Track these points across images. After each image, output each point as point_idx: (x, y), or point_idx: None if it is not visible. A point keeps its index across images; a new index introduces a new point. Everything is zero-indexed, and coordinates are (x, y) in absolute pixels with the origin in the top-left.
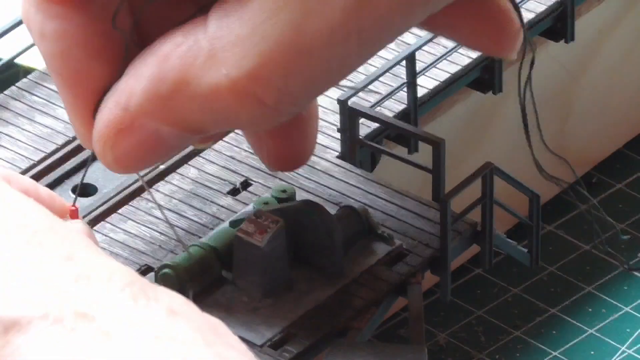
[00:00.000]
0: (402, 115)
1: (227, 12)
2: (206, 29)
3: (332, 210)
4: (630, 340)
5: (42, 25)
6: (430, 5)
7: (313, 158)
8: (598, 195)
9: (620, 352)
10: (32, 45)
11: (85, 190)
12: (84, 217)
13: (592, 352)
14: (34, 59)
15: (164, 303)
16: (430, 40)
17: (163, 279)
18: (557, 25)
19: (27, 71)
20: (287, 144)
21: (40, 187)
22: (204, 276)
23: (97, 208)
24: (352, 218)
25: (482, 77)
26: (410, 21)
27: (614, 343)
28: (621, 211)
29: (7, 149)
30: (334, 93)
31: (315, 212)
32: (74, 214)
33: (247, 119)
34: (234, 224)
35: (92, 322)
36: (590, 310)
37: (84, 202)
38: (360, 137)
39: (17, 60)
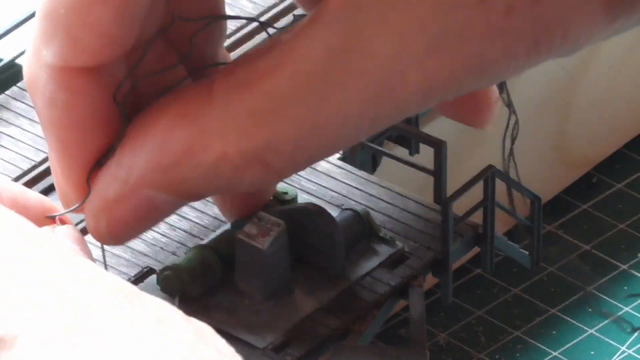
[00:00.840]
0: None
1: (236, 87)
2: (212, 97)
3: (334, 212)
4: (630, 340)
5: (53, 94)
6: (445, 95)
7: None
8: (598, 195)
9: (620, 352)
10: None
11: None
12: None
13: (592, 352)
14: None
15: (151, 311)
16: None
17: (165, 281)
18: None
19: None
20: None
21: (29, 193)
22: (206, 278)
23: None
24: (354, 220)
25: None
26: (423, 108)
27: (614, 343)
28: (621, 211)
29: (8, 149)
30: None
31: (317, 214)
32: (64, 219)
33: (249, 183)
34: (236, 226)
35: (81, 333)
36: (590, 310)
37: None
38: None
39: (17, 61)
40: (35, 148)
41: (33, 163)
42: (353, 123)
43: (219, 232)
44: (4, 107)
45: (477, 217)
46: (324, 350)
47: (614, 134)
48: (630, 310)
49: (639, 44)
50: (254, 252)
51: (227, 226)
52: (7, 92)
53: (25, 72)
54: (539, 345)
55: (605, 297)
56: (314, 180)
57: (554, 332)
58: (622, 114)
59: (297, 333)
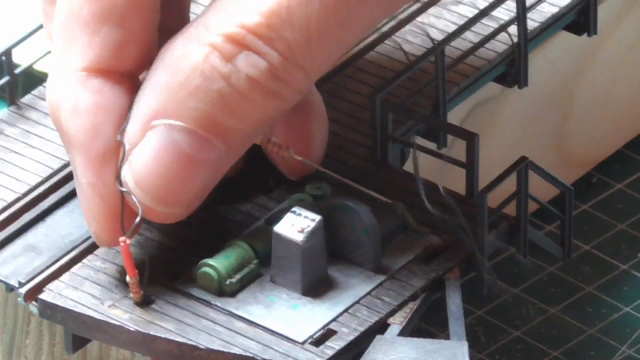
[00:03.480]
0: (432, 110)
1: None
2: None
3: (368, 207)
4: (630, 340)
5: (77, 99)
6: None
7: (345, 155)
8: (598, 195)
9: (620, 352)
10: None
11: None
12: None
13: (592, 352)
14: None
15: None
16: (459, 35)
17: (202, 278)
18: (580, 19)
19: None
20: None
21: None
22: (243, 274)
23: None
24: (388, 214)
25: (508, 71)
26: None
27: (614, 343)
28: (621, 211)
29: (39, 149)
30: (364, 90)
31: (353, 209)
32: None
33: (248, 74)
34: (269, 221)
35: None
36: (590, 310)
37: None
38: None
39: (35, 67)
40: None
41: (63, 162)
42: None
43: (253, 227)
44: (32, 107)
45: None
46: (363, 344)
47: (614, 134)
48: (630, 310)
49: (639, 44)
50: (291, 246)
51: (261, 222)
52: (33, 92)
53: (50, 92)
54: (539, 345)
55: (605, 297)
56: (346, 175)
57: (554, 332)
58: (622, 114)
59: (335, 327)
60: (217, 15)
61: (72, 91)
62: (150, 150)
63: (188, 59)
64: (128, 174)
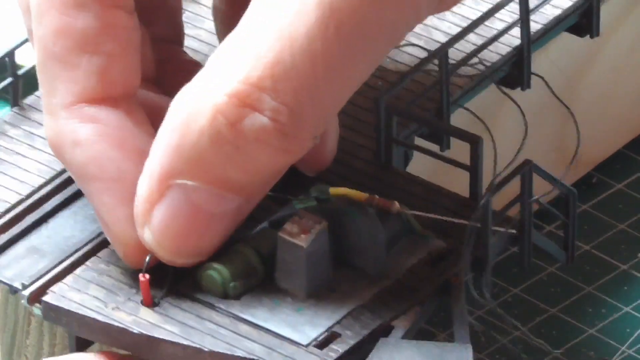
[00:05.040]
0: (435, 113)
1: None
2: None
3: (373, 210)
4: (630, 340)
5: (75, 132)
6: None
7: (349, 158)
8: (598, 196)
9: (620, 352)
10: None
11: None
12: None
13: (592, 352)
14: None
15: None
16: (462, 37)
17: (206, 280)
18: (583, 21)
19: None
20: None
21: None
22: (247, 277)
23: None
24: (393, 217)
25: (512, 74)
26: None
27: (614, 343)
28: (621, 211)
29: (42, 150)
30: (368, 92)
31: (357, 212)
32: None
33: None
34: (274, 224)
35: None
36: (590, 310)
37: None
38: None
39: None
40: None
41: None
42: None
43: (258, 230)
44: (35, 108)
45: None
46: (368, 347)
47: (614, 134)
48: (630, 310)
49: (639, 45)
50: (295, 250)
51: (265, 225)
52: (36, 93)
53: (47, 129)
54: (539, 345)
55: (605, 297)
56: (350, 179)
57: (554, 332)
58: (622, 114)
59: (340, 330)
60: (221, 68)
61: (68, 126)
62: (168, 211)
63: (195, 122)
64: (149, 234)
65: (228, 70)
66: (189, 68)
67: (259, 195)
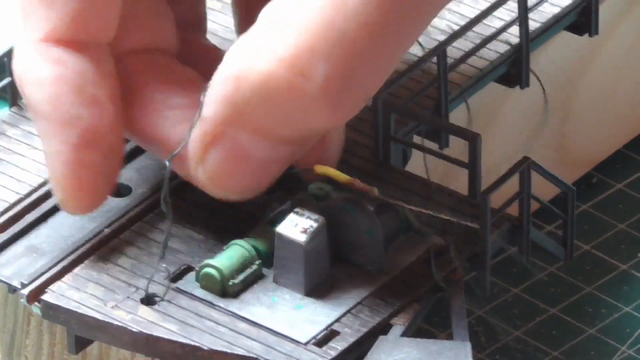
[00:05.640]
0: (434, 111)
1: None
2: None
3: (370, 208)
4: (630, 340)
5: (39, 71)
6: None
7: (348, 155)
8: (598, 195)
9: (620, 352)
10: None
11: (119, 190)
12: (121, 216)
13: (592, 352)
14: None
15: None
16: (460, 35)
17: (205, 278)
18: (581, 20)
19: None
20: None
21: None
22: (246, 275)
23: (132, 209)
24: (391, 215)
25: (510, 72)
26: None
27: (614, 343)
28: (621, 211)
29: (41, 150)
30: None
31: (355, 210)
32: None
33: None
34: (272, 221)
35: None
36: (590, 310)
37: (118, 203)
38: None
39: None
40: None
41: None
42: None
43: (256, 227)
44: None
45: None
46: (366, 344)
47: (614, 134)
48: (630, 310)
49: (639, 44)
50: (293, 247)
51: (264, 222)
52: None
53: (16, 61)
54: (539, 345)
55: (605, 297)
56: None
57: (554, 332)
58: (622, 114)
59: (338, 327)
60: (274, 31)
61: (33, 62)
62: (221, 154)
63: (247, 80)
64: (202, 173)
65: (281, 34)
66: (210, 53)
67: (310, 143)
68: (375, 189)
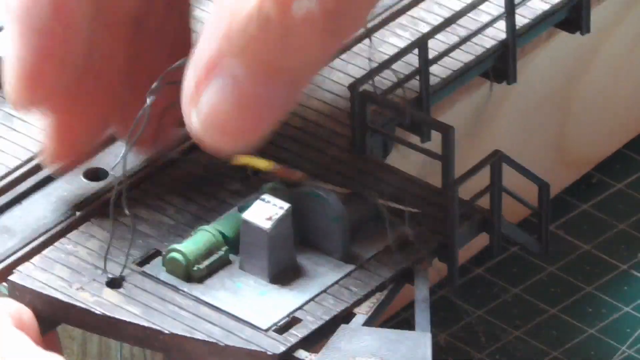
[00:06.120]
0: (414, 103)
1: None
2: None
3: (341, 196)
4: (630, 340)
5: None
6: None
7: (323, 144)
8: (598, 195)
9: (620, 352)
10: None
11: (95, 174)
12: (95, 200)
13: (592, 352)
14: None
15: None
16: (443, 28)
17: (170, 263)
18: (572, 17)
19: None
20: None
21: None
22: (211, 260)
23: (105, 192)
24: (360, 204)
25: (496, 67)
26: None
27: (614, 343)
28: (621, 211)
29: (20, 132)
30: (344, 80)
31: (323, 198)
32: None
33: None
34: (243, 209)
35: None
36: (590, 310)
37: (94, 186)
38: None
39: None
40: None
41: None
42: None
43: (225, 214)
44: None
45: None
46: (328, 332)
47: (614, 134)
48: (630, 310)
49: (638, 44)
50: (258, 233)
51: (235, 209)
52: None
53: None
54: (539, 345)
55: (605, 297)
56: (323, 165)
57: (554, 331)
58: (622, 114)
59: (301, 315)
60: None
61: None
62: (215, 94)
63: (244, 8)
64: (195, 118)
65: None
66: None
67: (305, 83)
68: (300, 173)
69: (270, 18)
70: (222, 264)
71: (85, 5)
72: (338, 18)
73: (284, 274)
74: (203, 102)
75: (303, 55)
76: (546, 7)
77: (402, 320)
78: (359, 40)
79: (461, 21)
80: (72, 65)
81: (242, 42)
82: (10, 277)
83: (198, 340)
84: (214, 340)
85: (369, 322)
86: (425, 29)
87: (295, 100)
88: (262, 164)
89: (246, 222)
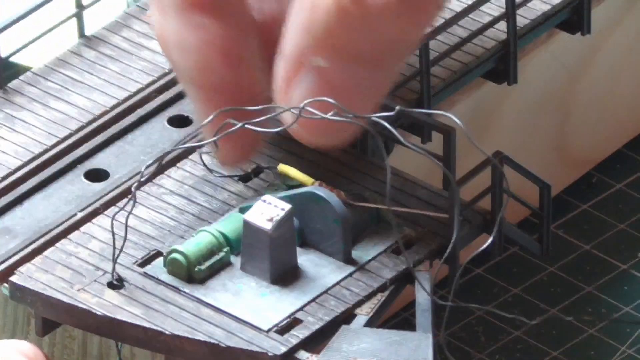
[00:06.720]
0: (416, 104)
1: None
2: None
3: (338, 197)
4: (630, 340)
5: (181, 37)
6: None
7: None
8: (598, 195)
9: (620, 352)
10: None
11: (97, 175)
12: (96, 201)
13: (592, 352)
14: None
15: None
16: (444, 29)
17: (172, 264)
18: (573, 18)
19: (25, 69)
20: None
21: None
22: (212, 261)
23: (108, 193)
24: (362, 206)
25: (497, 68)
26: None
27: (614, 343)
28: (621, 211)
29: (21, 133)
30: None
31: (324, 199)
32: None
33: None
34: (244, 210)
35: None
36: (590, 310)
37: (95, 187)
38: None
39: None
40: (48, 132)
41: (45, 147)
42: None
43: (227, 215)
44: (18, 92)
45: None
46: (329, 334)
47: (614, 134)
48: (630, 310)
49: (638, 44)
50: (259, 234)
51: (236, 210)
52: (21, 77)
53: (154, 24)
54: (539, 345)
55: (605, 297)
56: (324, 166)
57: (554, 332)
58: (622, 114)
59: (302, 316)
60: None
61: (174, 27)
62: (304, 89)
63: (322, 1)
64: (287, 113)
65: None
66: None
67: (394, 67)
68: (342, 192)
69: (348, 10)
70: (223, 265)
71: (252, 45)
72: (416, 4)
73: (285, 275)
74: (294, 98)
75: (383, 42)
76: (547, 8)
77: (403, 320)
78: None
79: (462, 22)
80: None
81: (323, 36)
82: (12, 278)
83: (199, 341)
84: (215, 341)
85: (370, 323)
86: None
87: (387, 86)
88: (302, 178)
89: (247, 223)
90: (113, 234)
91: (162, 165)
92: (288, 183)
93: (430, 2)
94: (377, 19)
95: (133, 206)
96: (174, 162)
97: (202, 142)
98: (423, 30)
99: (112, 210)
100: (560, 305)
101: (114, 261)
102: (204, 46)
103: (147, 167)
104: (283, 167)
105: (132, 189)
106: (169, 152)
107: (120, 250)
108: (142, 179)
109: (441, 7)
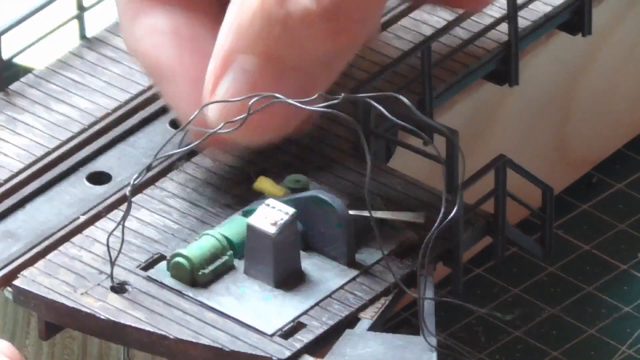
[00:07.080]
0: (418, 106)
1: None
2: None
3: (345, 201)
4: (630, 340)
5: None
6: None
7: (327, 149)
8: (598, 195)
9: (620, 352)
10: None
11: (99, 178)
12: (98, 204)
13: (592, 352)
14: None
15: None
16: (446, 31)
17: (175, 268)
18: (574, 19)
19: (26, 70)
20: None
21: None
22: (216, 265)
23: (110, 196)
24: (365, 209)
25: (499, 69)
26: None
27: (614, 343)
28: (621, 211)
29: (23, 136)
30: (351, 84)
31: (328, 203)
32: None
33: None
34: (248, 213)
35: None
36: (590, 310)
37: (98, 190)
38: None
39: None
40: (50, 135)
41: (47, 150)
42: None
43: (230, 219)
44: (20, 94)
45: (488, 208)
46: (333, 338)
47: (614, 134)
48: (630, 310)
49: (639, 44)
50: (263, 238)
51: (239, 213)
52: (22, 79)
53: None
54: (539, 345)
55: (605, 297)
56: (327, 169)
57: (554, 332)
58: (622, 114)
59: (306, 320)
60: None
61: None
62: (230, 85)
63: (249, 3)
64: (213, 109)
65: None
66: None
67: (322, 78)
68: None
69: (272, 15)
70: (226, 269)
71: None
72: (337, 16)
73: (289, 279)
74: (218, 94)
75: (308, 52)
76: (548, 9)
77: (403, 320)
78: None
79: (464, 24)
80: None
81: (250, 38)
82: (15, 282)
83: (203, 345)
84: (219, 346)
85: (374, 327)
86: (428, 31)
87: (305, 95)
88: (275, 191)
89: (251, 227)
90: (108, 247)
91: (164, 168)
92: (291, 186)
93: (355, 22)
94: (299, 28)
95: (127, 213)
96: (176, 164)
97: (225, 130)
98: (349, 49)
99: (114, 213)
100: (560, 305)
101: (112, 265)
102: (160, 36)
103: (136, 178)
104: (260, 184)
105: (127, 193)
106: (158, 158)
107: (116, 256)
108: (136, 182)
109: (371, 29)
